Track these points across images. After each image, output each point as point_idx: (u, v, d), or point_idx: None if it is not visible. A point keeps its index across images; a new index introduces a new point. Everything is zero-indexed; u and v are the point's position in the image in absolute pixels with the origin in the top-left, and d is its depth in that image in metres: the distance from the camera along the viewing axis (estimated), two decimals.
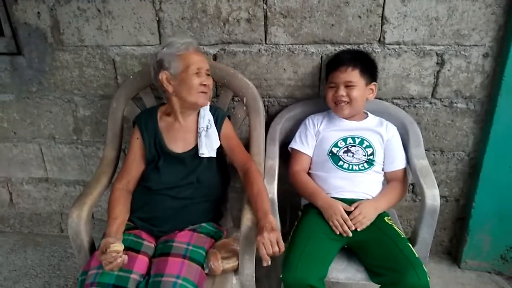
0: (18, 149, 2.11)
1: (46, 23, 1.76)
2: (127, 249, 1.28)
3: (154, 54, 1.46)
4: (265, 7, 1.62)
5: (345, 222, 1.37)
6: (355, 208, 1.41)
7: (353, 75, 1.48)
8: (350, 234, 1.37)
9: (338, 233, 1.37)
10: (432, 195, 1.39)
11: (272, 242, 1.20)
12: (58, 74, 1.87)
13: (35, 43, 1.81)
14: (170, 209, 1.42)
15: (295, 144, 1.60)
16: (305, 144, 1.58)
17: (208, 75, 1.45)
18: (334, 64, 1.53)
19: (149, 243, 1.37)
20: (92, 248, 1.42)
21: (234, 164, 1.51)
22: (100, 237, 1.35)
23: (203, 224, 1.44)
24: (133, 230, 1.39)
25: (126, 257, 1.21)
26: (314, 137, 1.58)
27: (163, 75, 1.41)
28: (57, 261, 2.11)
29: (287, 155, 1.65)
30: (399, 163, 1.54)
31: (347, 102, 1.50)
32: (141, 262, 1.29)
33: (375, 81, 1.56)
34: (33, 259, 2.13)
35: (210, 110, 1.50)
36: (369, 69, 1.53)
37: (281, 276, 1.30)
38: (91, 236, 1.43)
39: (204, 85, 1.42)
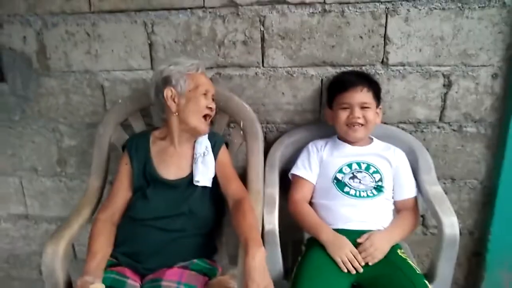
0: None
1: (32, 48, 1.68)
2: None
3: (159, 71, 1.37)
4: (262, 29, 1.55)
5: (355, 257, 1.23)
6: (365, 240, 1.27)
7: (368, 97, 1.40)
8: (361, 270, 1.22)
9: (346, 270, 1.22)
10: (450, 223, 1.26)
11: None
12: (43, 102, 1.76)
13: (20, 69, 1.72)
14: (158, 243, 1.27)
15: (297, 170, 1.47)
16: (308, 170, 1.45)
17: (213, 100, 1.39)
18: (346, 83, 1.43)
19: (133, 282, 1.20)
20: (69, 287, 1.25)
21: (225, 193, 1.38)
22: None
23: (195, 261, 1.29)
24: (116, 267, 1.24)
25: None
26: (318, 163, 1.46)
27: (168, 92, 1.32)
28: None
29: (287, 184, 1.52)
30: (410, 191, 1.42)
31: (362, 125, 1.39)
32: None
33: (380, 104, 1.48)
34: None
35: (208, 136, 1.41)
36: (379, 92, 1.46)
37: None
38: (68, 275, 1.26)
39: (210, 108, 1.35)
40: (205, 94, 1.35)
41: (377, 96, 1.45)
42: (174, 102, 1.32)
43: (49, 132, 1.82)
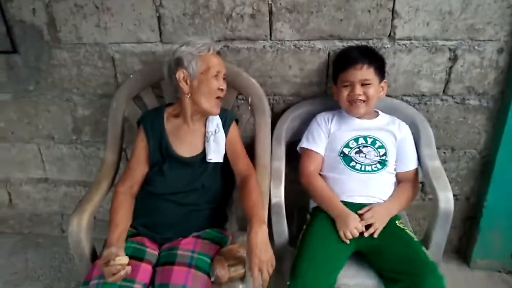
0: (16, 149, 2.05)
1: (42, 20, 1.69)
2: (129, 257, 1.22)
3: (171, 52, 1.39)
4: (270, 2, 1.54)
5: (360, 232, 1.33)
6: (366, 212, 1.36)
7: (369, 73, 1.42)
8: (357, 234, 1.32)
9: (348, 242, 1.33)
10: (446, 198, 1.34)
11: (266, 269, 1.18)
12: (56, 73, 1.80)
13: (31, 41, 1.75)
14: (174, 215, 1.37)
15: (307, 143, 1.53)
16: (317, 142, 1.51)
17: (224, 79, 1.41)
18: (346, 61, 1.45)
19: (152, 251, 1.32)
20: (94, 256, 1.37)
21: (234, 169, 1.45)
22: (101, 238, 1.31)
23: (207, 230, 1.40)
24: (136, 237, 1.35)
25: (129, 268, 1.17)
26: (326, 135, 1.52)
27: (180, 74, 1.35)
28: (59, 263, 2.07)
29: (292, 155, 1.59)
30: (411, 164, 1.49)
31: (364, 101, 1.43)
32: (145, 271, 1.24)
33: (385, 78, 1.50)
34: (34, 261, 2.09)
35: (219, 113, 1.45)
36: (382, 67, 1.47)
37: (288, 283, 1.25)
38: (93, 244, 1.38)
39: (221, 89, 1.38)
40: (216, 75, 1.37)
41: (380, 71, 1.46)
42: (186, 83, 1.35)
43: (63, 102, 1.88)
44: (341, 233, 1.32)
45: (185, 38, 1.41)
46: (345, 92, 1.45)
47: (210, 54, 1.38)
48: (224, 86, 1.40)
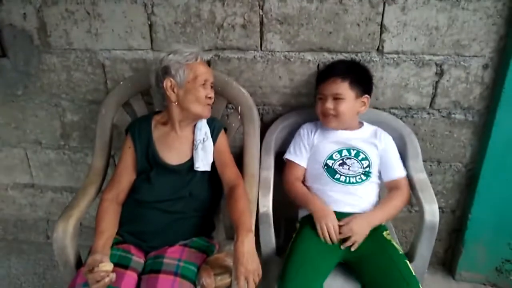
0: (2, 154, 2.03)
1: (32, 24, 1.69)
2: (114, 265, 1.21)
3: (159, 60, 1.39)
4: (261, 13, 1.56)
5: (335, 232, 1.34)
6: (344, 226, 1.35)
7: (342, 87, 1.43)
8: (336, 242, 1.34)
9: (328, 240, 1.34)
10: (431, 211, 1.36)
11: (252, 278, 1.18)
12: (45, 78, 1.80)
13: (21, 45, 1.74)
14: (161, 224, 1.36)
15: (290, 155, 1.56)
16: (299, 155, 1.54)
17: (212, 87, 1.42)
18: (323, 75, 1.50)
19: (138, 259, 1.31)
20: (79, 263, 1.36)
21: (221, 178, 1.45)
22: (87, 244, 1.30)
23: (194, 239, 1.39)
24: (122, 244, 1.33)
25: (114, 275, 1.16)
26: (308, 148, 1.54)
27: (167, 82, 1.35)
28: (43, 270, 2.04)
29: (281, 165, 1.60)
30: (397, 172, 1.49)
31: (334, 115, 1.45)
32: (130, 279, 1.23)
33: (369, 93, 1.50)
34: (17, 267, 2.06)
35: (207, 121, 1.46)
36: (361, 81, 1.47)
37: (276, 287, 1.26)
38: (78, 251, 1.37)
39: (209, 97, 1.39)
40: (204, 84, 1.37)
41: (359, 86, 1.45)
42: (174, 92, 1.36)
43: (51, 107, 1.87)
44: (318, 226, 1.35)
45: (176, 47, 1.41)
46: (319, 105, 1.50)
47: (197, 63, 1.38)
48: (211, 94, 1.40)
